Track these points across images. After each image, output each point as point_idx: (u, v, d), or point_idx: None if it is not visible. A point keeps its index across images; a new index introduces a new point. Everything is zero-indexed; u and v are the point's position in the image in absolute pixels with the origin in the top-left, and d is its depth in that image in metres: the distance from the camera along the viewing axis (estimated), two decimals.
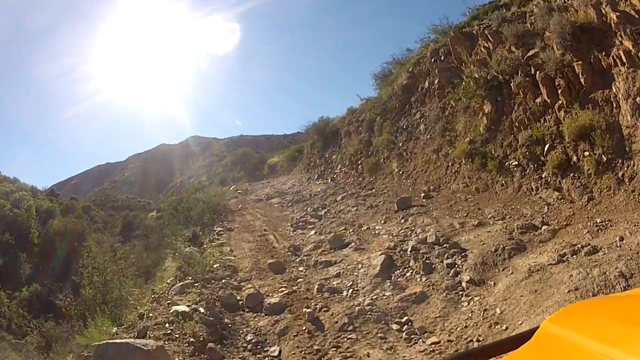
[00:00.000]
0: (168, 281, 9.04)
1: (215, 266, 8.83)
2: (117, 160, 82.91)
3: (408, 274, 7.50)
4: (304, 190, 19.25)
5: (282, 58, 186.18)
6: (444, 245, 8.37)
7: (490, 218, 9.92)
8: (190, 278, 8.11)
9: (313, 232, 11.28)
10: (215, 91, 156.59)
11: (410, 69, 17.57)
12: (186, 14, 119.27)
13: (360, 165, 18.69)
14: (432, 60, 15.94)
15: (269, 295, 7.42)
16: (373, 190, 15.44)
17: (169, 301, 7.03)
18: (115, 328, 7.07)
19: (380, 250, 8.53)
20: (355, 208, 12.95)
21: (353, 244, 9.35)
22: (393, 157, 16.69)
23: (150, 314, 6.73)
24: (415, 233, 9.38)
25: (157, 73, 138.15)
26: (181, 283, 7.92)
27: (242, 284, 8.24)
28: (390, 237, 9.38)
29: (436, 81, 15.66)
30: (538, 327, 1.33)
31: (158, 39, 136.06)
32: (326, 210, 13.69)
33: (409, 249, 8.27)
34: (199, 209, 17.03)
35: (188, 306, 6.69)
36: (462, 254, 7.90)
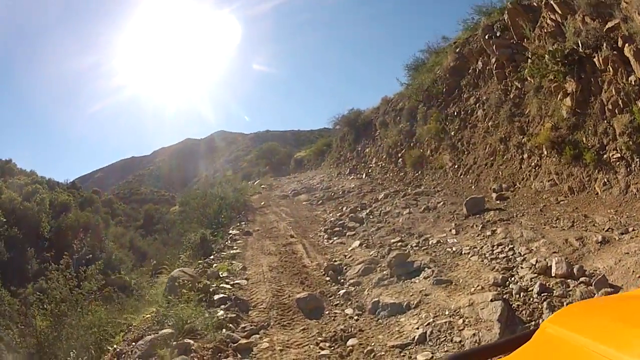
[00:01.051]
0: (148, 316, 5.63)
1: (215, 297, 5.30)
2: (142, 154, 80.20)
3: None
4: (334, 185, 15.96)
5: (306, 54, 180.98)
6: (581, 279, 4.72)
7: (608, 230, 6.50)
8: (170, 324, 4.59)
9: (357, 243, 7.69)
10: (242, 87, 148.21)
11: (457, 50, 13.92)
12: (212, 9, 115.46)
13: (400, 159, 15.16)
14: (486, 37, 12.27)
15: None
16: (422, 188, 11.84)
17: None
18: None
19: (481, 286, 4.85)
20: (407, 210, 9.34)
21: (429, 270, 5.64)
22: (444, 149, 13.08)
23: None
24: (520, 254, 5.73)
25: (183, 68, 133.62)
26: (154, 335, 4.42)
27: (252, 338, 4.65)
28: (483, 259, 5.71)
29: (493, 60, 12.08)
30: (538, 327, 1.22)
31: (183, 33, 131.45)
32: (368, 211, 10.12)
33: (535, 289, 4.57)
34: (215, 206, 13.64)
35: None
36: None
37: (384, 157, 16.57)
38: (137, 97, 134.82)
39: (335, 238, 8.51)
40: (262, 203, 14.48)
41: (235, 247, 8.66)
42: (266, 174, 27.93)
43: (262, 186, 20.18)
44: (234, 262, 7.25)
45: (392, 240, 7.49)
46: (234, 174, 34.61)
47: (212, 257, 8.14)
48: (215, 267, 7.06)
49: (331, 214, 10.92)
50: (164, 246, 23.05)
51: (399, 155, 15.36)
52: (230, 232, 10.28)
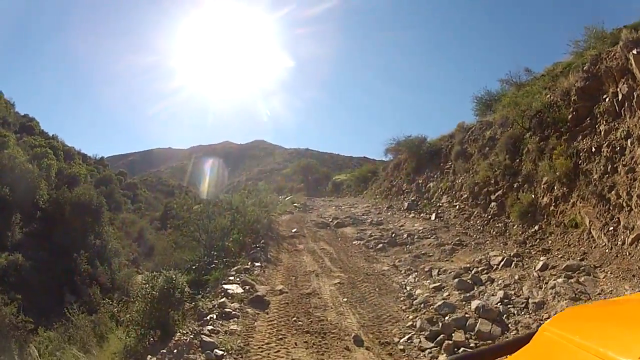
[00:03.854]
0: None
1: None
2: (180, 147, 76.53)
3: None
4: (389, 222, 11.28)
5: (357, 80, 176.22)
6: None
7: None
8: None
9: None
10: (289, 99, 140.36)
11: (585, 68, 8.60)
12: (264, 15, 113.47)
13: (494, 202, 9.87)
14: (636, 52, 7.05)
15: None
16: (557, 255, 6.72)
17: None
18: None
19: None
20: None
21: None
22: (581, 198, 7.83)
23: None
24: None
25: (234, 73, 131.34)
26: None
27: None
28: None
29: None
30: (536, 330, 1.13)
31: (238, 39, 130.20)
32: (501, 295, 4.64)
33: None
34: (225, 221, 8.37)
35: None
36: None
37: (465, 196, 11.21)
38: (183, 89, 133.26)
39: None
40: (294, 230, 9.24)
41: (219, 350, 3.21)
42: (300, 191, 22.94)
43: (295, 205, 15.65)
44: None
45: None
46: (266, 186, 29.54)
47: None
48: None
49: (415, 279, 5.70)
50: (172, 246, 18.26)
51: (492, 197, 10.04)
52: (228, 285, 4.86)
